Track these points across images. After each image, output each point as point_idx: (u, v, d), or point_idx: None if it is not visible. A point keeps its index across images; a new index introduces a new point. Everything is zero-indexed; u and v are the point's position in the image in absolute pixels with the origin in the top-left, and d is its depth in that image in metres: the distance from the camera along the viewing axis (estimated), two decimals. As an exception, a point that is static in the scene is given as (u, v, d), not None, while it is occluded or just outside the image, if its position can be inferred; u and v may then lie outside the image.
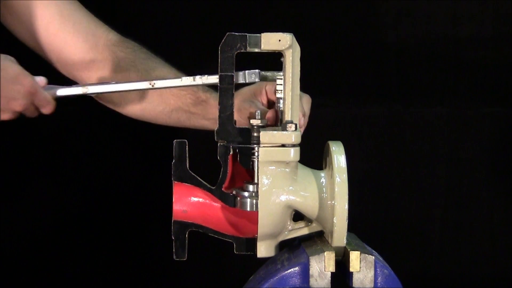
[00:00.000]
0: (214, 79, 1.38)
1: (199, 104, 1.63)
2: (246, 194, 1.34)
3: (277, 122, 1.42)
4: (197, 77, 1.42)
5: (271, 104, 1.52)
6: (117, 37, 1.69)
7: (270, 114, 1.45)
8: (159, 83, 1.45)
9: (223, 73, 1.34)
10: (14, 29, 1.68)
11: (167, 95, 1.65)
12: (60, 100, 1.48)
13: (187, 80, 1.44)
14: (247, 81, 1.44)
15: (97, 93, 1.49)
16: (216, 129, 1.35)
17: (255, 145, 1.33)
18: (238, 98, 1.50)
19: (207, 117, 1.63)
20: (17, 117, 1.48)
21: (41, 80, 1.48)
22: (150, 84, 1.44)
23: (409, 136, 2.36)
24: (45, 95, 1.46)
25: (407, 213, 2.37)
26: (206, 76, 1.41)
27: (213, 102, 1.61)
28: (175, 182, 1.36)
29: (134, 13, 2.29)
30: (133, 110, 1.70)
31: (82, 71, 1.66)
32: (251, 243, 1.37)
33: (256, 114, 1.35)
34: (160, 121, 1.70)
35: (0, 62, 1.42)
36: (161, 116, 1.68)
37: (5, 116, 1.46)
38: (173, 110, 1.66)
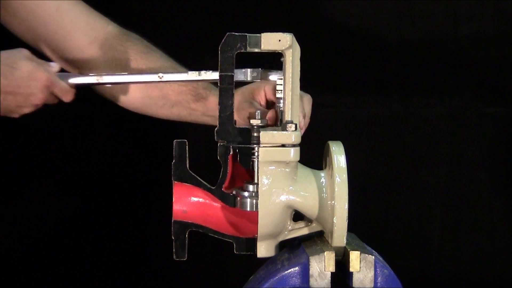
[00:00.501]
0: (218, 75, 1.39)
1: (199, 101, 1.64)
2: (246, 194, 1.34)
3: (277, 122, 1.42)
4: (202, 72, 1.45)
5: (270, 104, 1.52)
6: (116, 29, 1.69)
7: (270, 114, 1.45)
8: (166, 77, 1.48)
9: (223, 73, 1.35)
10: (12, 27, 1.68)
11: (167, 90, 1.65)
12: (76, 88, 1.50)
13: (192, 75, 1.46)
14: (248, 79, 1.45)
15: (110, 83, 1.51)
16: (216, 129, 1.35)
17: (255, 145, 1.33)
18: (237, 98, 1.50)
19: (207, 113, 1.64)
20: (39, 108, 1.50)
21: (53, 66, 1.50)
22: (159, 76, 1.47)
23: (409, 136, 2.36)
24: (62, 85, 1.48)
25: (407, 213, 2.37)
26: (210, 71, 1.43)
27: (212, 99, 1.61)
28: (175, 182, 1.36)
29: (134, 13, 2.29)
30: (134, 104, 1.70)
31: (82, 67, 1.66)
32: (251, 243, 1.37)
33: (256, 114, 1.35)
34: (161, 115, 1.71)
35: (13, 60, 1.44)
36: (162, 111, 1.69)
37: (26, 110, 1.48)
38: (174, 105, 1.66)
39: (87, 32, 1.66)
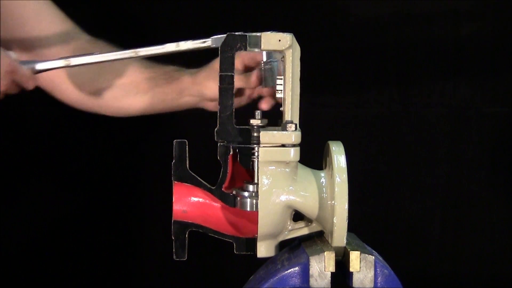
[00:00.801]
0: (199, 43, 1.39)
1: (172, 83, 1.64)
2: (246, 194, 1.34)
3: (261, 83, 1.46)
4: (181, 42, 1.43)
5: (248, 69, 1.54)
6: (89, 37, 1.71)
7: (253, 77, 1.49)
8: (142, 51, 1.43)
9: (223, 73, 1.34)
10: None
11: (138, 80, 1.65)
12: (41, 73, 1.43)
13: (170, 46, 1.43)
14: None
15: (80, 64, 1.43)
16: (216, 129, 1.35)
17: (255, 145, 1.33)
18: (215, 67, 1.50)
19: (182, 94, 1.63)
20: (1, 99, 1.44)
21: (13, 54, 1.44)
22: (134, 52, 1.42)
23: (409, 136, 2.36)
24: (24, 71, 1.42)
25: (407, 213, 2.37)
26: (190, 41, 1.42)
27: (186, 78, 1.62)
28: (175, 182, 1.36)
29: (134, 13, 2.29)
30: (104, 104, 1.70)
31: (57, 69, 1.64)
32: (251, 243, 1.37)
33: (256, 114, 1.35)
34: (132, 110, 1.70)
35: None
36: (134, 104, 1.68)
37: None
38: (145, 93, 1.66)
39: (63, 36, 1.66)
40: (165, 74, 1.65)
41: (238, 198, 1.34)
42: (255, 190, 1.32)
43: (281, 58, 1.35)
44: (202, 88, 1.61)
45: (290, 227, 1.36)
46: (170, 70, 1.65)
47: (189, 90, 1.61)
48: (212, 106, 1.63)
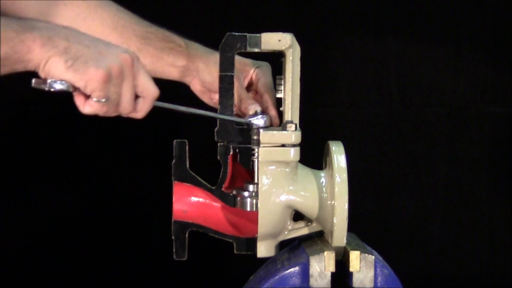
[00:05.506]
0: None
1: (173, 49, 1.51)
2: (246, 194, 1.34)
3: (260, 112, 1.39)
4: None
5: (247, 87, 1.46)
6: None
7: (251, 110, 1.37)
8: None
9: (223, 73, 1.35)
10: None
11: (128, 34, 1.55)
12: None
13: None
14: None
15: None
16: (216, 129, 1.35)
17: (255, 145, 1.33)
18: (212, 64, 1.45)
19: (175, 64, 1.50)
20: None
21: None
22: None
23: (409, 136, 2.36)
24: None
25: (407, 213, 2.37)
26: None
27: (194, 52, 1.51)
28: (175, 182, 1.37)
29: (134, 12, 2.29)
30: None
31: None
32: (251, 243, 1.37)
33: (257, 114, 1.35)
34: None
35: None
36: None
37: None
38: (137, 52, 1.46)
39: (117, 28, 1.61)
40: (165, 38, 1.51)
41: (238, 198, 1.34)
42: (255, 190, 1.32)
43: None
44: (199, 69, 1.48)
45: (290, 227, 1.36)
46: (171, 34, 1.52)
47: (181, 62, 1.49)
48: (199, 91, 1.49)
